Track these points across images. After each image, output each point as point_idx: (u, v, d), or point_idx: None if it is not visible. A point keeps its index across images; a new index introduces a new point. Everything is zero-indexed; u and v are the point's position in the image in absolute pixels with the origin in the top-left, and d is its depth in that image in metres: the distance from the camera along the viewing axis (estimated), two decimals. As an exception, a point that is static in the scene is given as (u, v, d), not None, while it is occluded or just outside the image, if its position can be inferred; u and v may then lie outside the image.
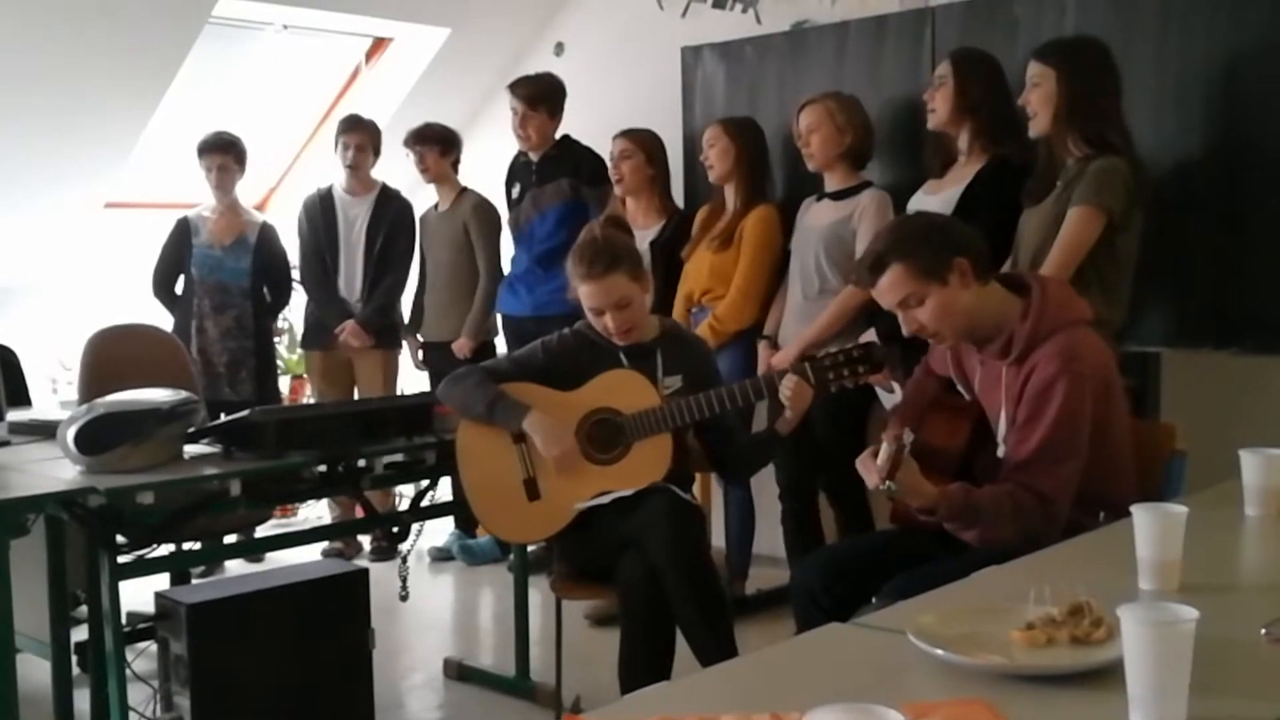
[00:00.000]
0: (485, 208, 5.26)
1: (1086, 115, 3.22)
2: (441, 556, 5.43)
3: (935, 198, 3.61)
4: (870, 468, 2.42)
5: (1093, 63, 3.27)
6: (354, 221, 5.31)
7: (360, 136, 5.28)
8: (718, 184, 4.44)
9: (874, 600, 2.43)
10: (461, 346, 5.15)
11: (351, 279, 5.32)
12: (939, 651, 1.54)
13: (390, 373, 5.37)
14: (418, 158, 5.26)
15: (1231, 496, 2.32)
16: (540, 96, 4.90)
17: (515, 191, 5.06)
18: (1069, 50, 3.32)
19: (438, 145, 5.25)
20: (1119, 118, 3.27)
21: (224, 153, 5.20)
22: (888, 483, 2.38)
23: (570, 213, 4.87)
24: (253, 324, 5.24)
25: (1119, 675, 1.37)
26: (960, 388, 2.84)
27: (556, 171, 4.91)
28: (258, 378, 5.23)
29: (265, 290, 5.35)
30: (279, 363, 5.76)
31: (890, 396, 3.73)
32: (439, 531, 5.45)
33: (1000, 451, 2.65)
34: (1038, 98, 3.29)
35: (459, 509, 3.93)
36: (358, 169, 5.28)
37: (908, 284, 2.58)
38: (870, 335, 3.63)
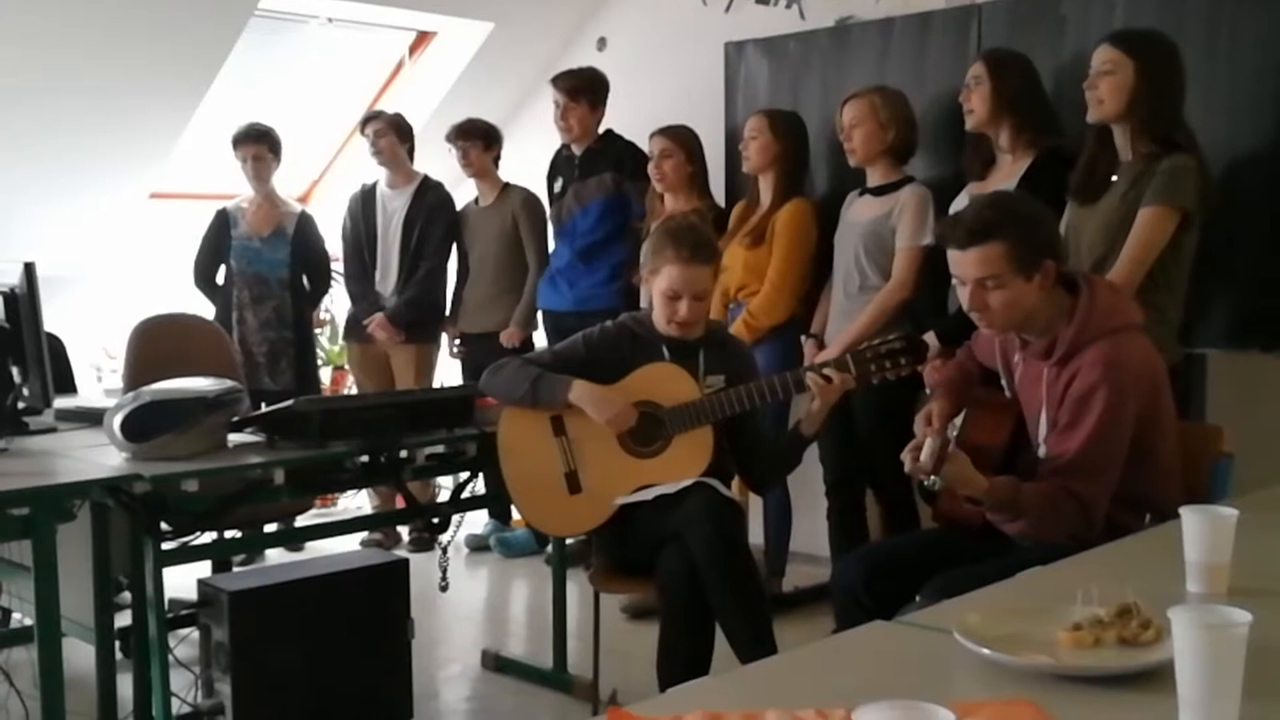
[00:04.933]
0: (533, 202, 5.27)
1: (1159, 111, 3.16)
2: (478, 545, 5.45)
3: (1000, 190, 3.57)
4: (914, 463, 2.42)
5: (1168, 59, 3.21)
6: (393, 215, 5.33)
7: (377, 124, 5.28)
8: (752, 174, 4.43)
9: (917, 599, 2.42)
10: (511, 336, 5.18)
11: (387, 272, 5.34)
12: (985, 651, 1.53)
13: (424, 367, 5.38)
14: (460, 153, 5.27)
15: (1280, 500, 2.29)
16: (581, 88, 4.91)
17: (558, 186, 5.08)
18: (1148, 41, 3.24)
19: (481, 140, 5.27)
20: (1183, 117, 3.22)
21: (258, 142, 5.23)
22: (933, 477, 2.37)
23: (612, 207, 4.89)
24: (291, 314, 5.27)
25: (1167, 677, 1.36)
26: (1003, 380, 2.82)
27: (599, 166, 4.93)
28: (297, 367, 5.27)
29: (304, 280, 5.38)
30: (320, 353, 5.79)
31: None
32: (475, 521, 5.46)
33: (1040, 453, 2.63)
34: (1109, 85, 3.20)
35: (497, 501, 3.95)
36: (382, 155, 5.28)
37: (999, 264, 2.50)
38: (930, 338, 3.58)
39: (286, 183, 5.46)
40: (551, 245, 5.18)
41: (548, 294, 5.06)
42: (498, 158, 5.38)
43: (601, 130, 5.00)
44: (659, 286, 3.17)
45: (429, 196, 5.35)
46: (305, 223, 5.38)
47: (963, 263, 2.55)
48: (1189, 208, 3.11)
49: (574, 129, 4.93)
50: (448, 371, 5.66)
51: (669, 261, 3.13)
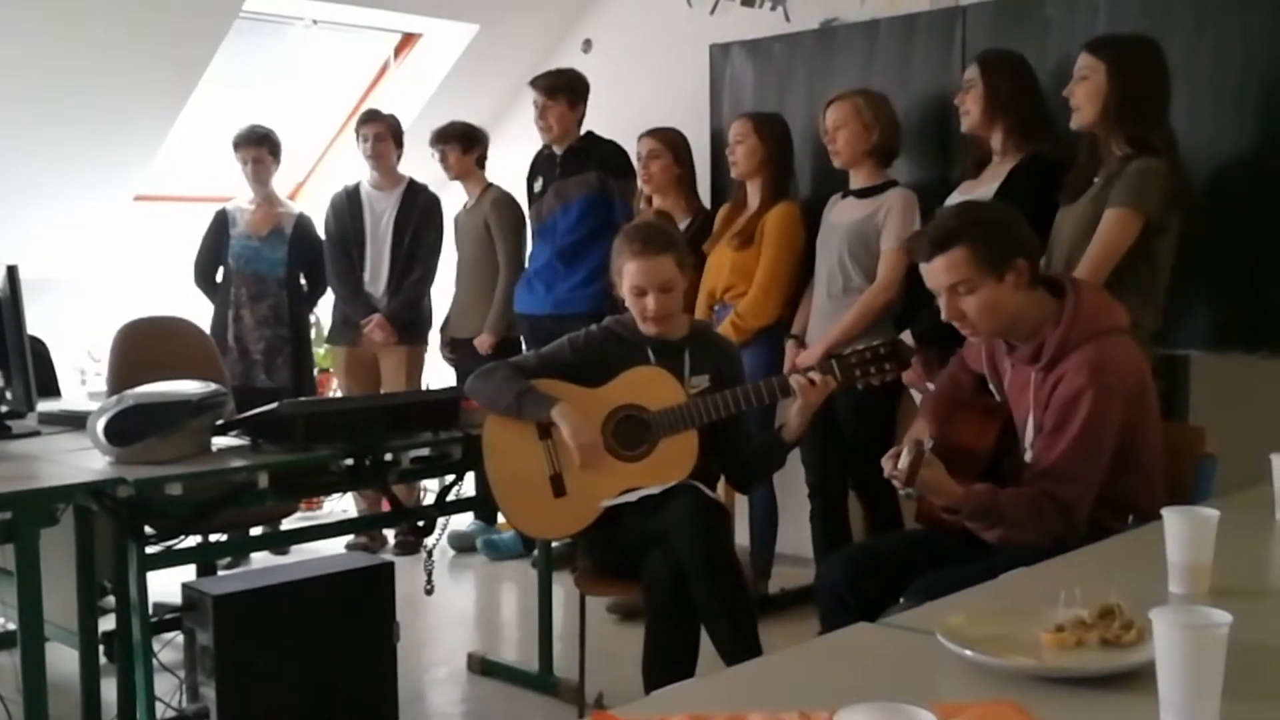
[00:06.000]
0: (506, 202, 5.26)
1: (1133, 114, 3.18)
2: (464, 544, 5.45)
3: (971, 198, 3.58)
4: (892, 472, 2.42)
5: (1146, 62, 3.23)
6: (381, 216, 5.33)
7: (378, 126, 5.29)
8: (740, 179, 4.44)
9: (901, 600, 2.43)
10: (482, 342, 5.16)
11: (378, 273, 5.33)
12: (968, 652, 1.54)
13: (414, 369, 5.38)
14: (440, 156, 5.28)
15: (1262, 501, 2.30)
16: (559, 87, 4.90)
17: (538, 186, 5.05)
18: (1123, 47, 3.27)
19: (459, 143, 5.26)
20: (1165, 120, 3.23)
21: (258, 145, 5.25)
22: (907, 490, 2.37)
23: (595, 206, 4.85)
24: (288, 313, 5.29)
25: (1149, 678, 1.37)
26: (992, 386, 2.83)
27: (582, 164, 4.90)
28: (294, 365, 5.28)
29: (302, 280, 5.39)
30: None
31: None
32: (459, 519, 5.45)
33: (1027, 457, 2.64)
34: (1084, 91, 3.24)
35: (483, 503, 3.94)
36: (378, 159, 5.29)
37: (966, 269, 2.53)
38: (905, 336, 3.61)
39: (273, 184, 5.44)
40: (531, 247, 5.15)
41: (524, 297, 5.02)
42: (482, 159, 5.37)
43: (583, 131, 4.98)
44: (625, 287, 3.20)
45: (419, 199, 5.35)
46: (303, 223, 5.40)
47: (931, 273, 2.59)
48: (1150, 211, 3.11)
49: (554, 128, 4.91)
50: (438, 374, 5.65)
51: (626, 259, 3.17)
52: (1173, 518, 1.85)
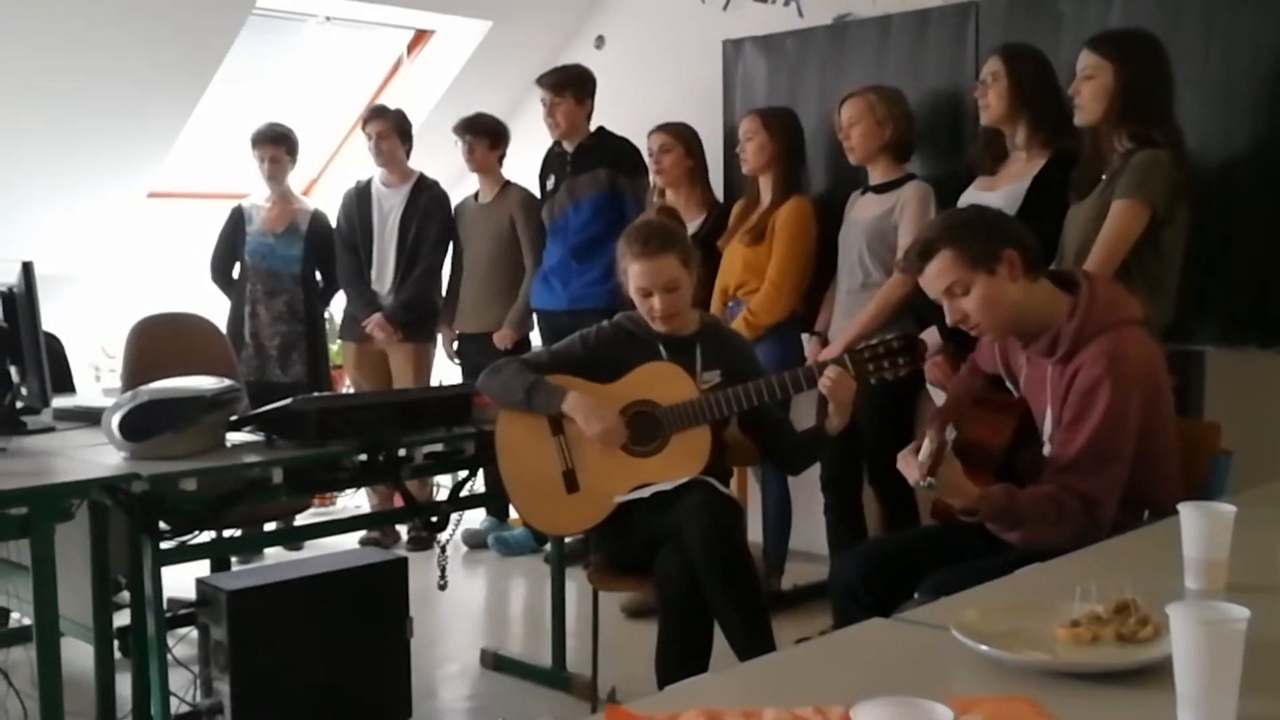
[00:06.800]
0: (532, 202, 5.25)
1: (1137, 110, 3.17)
2: (476, 541, 5.45)
3: (995, 194, 3.55)
4: (911, 464, 2.41)
5: (1148, 58, 3.22)
6: (389, 213, 5.33)
7: (381, 124, 5.28)
8: (751, 175, 4.43)
9: (915, 596, 2.42)
10: (504, 337, 5.16)
11: (384, 271, 5.33)
12: (983, 647, 1.53)
13: (422, 366, 5.38)
14: (467, 147, 5.26)
15: (1279, 496, 2.29)
16: (564, 82, 4.90)
17: (550, 183, 5.05)
18: (1126, 43, 3.26)
19: (488, 138, 5.26)
20: (1169, 114, 3.22)
21: (276, 144, 5.27)
22: (929, 479, 2.36)
23: (606, 203, 4.85)
24: (304, 309, 5.31)
25: (1166, 674, 1.36)
26: (1009, 384, 2.82)
27: (593, 162, 4.89)
28: (309, 361, 5.30)
29: (317, 276, 5.40)
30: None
31: (943, 396, 3.71)
32: (472, 516, 5.46)
33: (1046, 450, 2.63)
34: (1090, 90, 3.23)
35: (495, 499, 3.95)
36: (382, 156, 5.29)
37: (954, 271, 2.55)
38: (931, 333, 3.59)
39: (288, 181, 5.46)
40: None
41: (541, 293, 5.02)
42: (503, 156, 5.37)
43: (594, 128, 4.98)
44: (631, 288, 3.20)
45: (425, 195, 5.34)
46: (319, 220, 5.42)
47: (926, 283, 2.63)
48: (1156, 202, 3.10)
49: (561, 124, 4.91)
50: (446, 370, 5.66)
51: (630, 260, 3.16)
52: (1189, 513, 1.84)
